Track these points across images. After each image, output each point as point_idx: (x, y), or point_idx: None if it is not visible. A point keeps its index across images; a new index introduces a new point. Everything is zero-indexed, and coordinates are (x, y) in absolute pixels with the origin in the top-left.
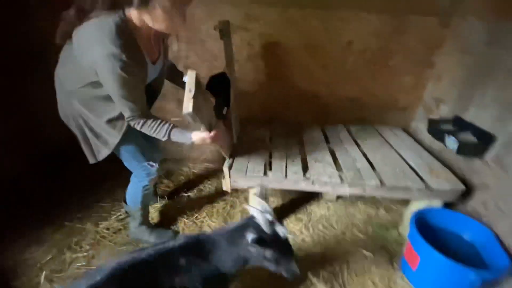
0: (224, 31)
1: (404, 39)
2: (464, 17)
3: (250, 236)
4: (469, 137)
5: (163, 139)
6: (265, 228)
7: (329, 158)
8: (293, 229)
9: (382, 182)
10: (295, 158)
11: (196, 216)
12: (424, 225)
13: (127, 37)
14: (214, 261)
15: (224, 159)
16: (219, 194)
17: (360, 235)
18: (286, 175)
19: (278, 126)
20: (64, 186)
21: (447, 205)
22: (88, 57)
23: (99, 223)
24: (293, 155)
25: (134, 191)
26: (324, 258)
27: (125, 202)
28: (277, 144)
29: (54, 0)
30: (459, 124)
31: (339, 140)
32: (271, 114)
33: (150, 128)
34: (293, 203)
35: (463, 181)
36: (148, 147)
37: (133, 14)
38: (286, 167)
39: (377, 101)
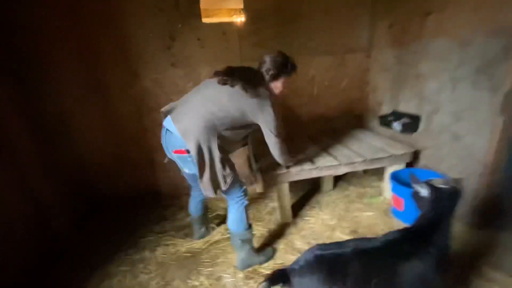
0: None
1: (346, 69)
2: (379, 50)
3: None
4: (406, 120)
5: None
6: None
7: (324, 153)
8: (311, 215)
9: (365, 159)
10: (302, 157)
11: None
12: (397, 182)
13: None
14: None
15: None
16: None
17: (360, 205)
18: (302, 168)
19: None
20: (100, 231)
21: (407, 167)
22: (255, 110)
23: (153, 250)
24: (300, 155)
25: (240, 214)
26: (342, 224)
27: (228, 231)
28: None
29: None
30: (397, 115)
31: (324, 142)
32: None
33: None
34: (303, 198)
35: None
36: None
37: (270, 85)
38: (300, 163)
39: (340, 113)
